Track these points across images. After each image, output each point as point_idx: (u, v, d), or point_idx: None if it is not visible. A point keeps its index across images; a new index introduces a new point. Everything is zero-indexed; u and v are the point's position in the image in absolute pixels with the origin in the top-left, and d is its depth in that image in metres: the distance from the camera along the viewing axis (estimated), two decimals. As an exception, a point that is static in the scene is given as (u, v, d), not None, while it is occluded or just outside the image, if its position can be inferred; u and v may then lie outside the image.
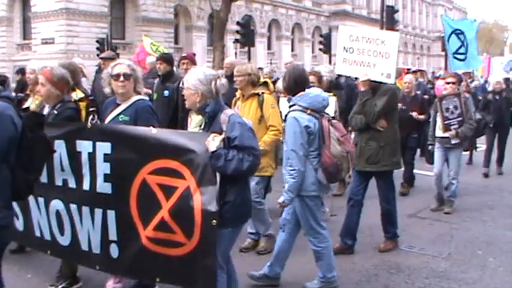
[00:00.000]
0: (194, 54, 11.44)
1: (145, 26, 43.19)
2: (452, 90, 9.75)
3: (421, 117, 10.98)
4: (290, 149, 5.65)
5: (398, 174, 10.88)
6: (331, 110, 8.25)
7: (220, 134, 4.45)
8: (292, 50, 67.25)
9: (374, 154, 7.32)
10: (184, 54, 10.64)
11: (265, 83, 7.46)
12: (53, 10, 41.04)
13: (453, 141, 9.53)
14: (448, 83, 9.91)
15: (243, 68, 7.32)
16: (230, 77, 7.98)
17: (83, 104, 6.20)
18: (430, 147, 10.13)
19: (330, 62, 37.95)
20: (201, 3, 44.59)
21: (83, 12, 40.97)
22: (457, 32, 14.91)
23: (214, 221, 4.39)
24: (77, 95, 6.56)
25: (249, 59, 30.15)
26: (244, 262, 6.76)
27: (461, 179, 11.13)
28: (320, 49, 38.88)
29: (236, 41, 31.12)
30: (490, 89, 14.80)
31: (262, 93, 7.19)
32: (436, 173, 9.89)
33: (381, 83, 7.28)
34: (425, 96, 12.35)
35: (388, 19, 29.37)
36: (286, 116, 5.95)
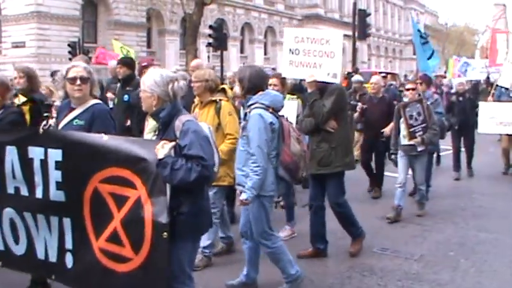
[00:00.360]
0: (152, 60, 11.24)
1: (117, 30, 42.98)
2: (413, 97, 9.59)
3: (387, 132, 10.43)
4: (256, 145, 5.60)
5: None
6: (294, 112, 8.35)
7: (173, 141, 4.25)
8: (265, 53, 67.34)
9: (326, 156, 7.16)
10: (144, 63, 10.22)
11: (223, 90, 7.25)
12: (23, 13, 40.49)
13: (419, 149, 9.40)
14: (408, 90, 9.75)
15: (201, 74, 7.16)
16: None
17: (26, 108, 6.10)
18: (392, 156, 10.00)
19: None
20: (173, 7, 44.40)
21: (55, 15, 40.56)
22: (421, 34, 15.44)
23: (165, 233, 4.16)
24: (20, 99, 6.48)
25: (222, 62, 30.17)
26: (222, 273, 6.76)
27: (432, 182, 11.26)
28: (293, 52, 38.94)
29: (209, 44, 31.08)
30: (453, 90, 14.81)
31: (220, 100, 7.03)
32: (400, 182, 9.57)
33: (327, 83, 7.14)
34: (394, 102, 12.31)
35: (360, 22, 29.57)
36: (244, 115, 5.92)
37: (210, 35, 30.37)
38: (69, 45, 32.61)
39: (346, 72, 24.95)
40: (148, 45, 49.78)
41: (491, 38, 18.57)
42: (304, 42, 7.27)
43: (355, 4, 32.18)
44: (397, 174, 10.74)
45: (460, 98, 13.25)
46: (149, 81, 4.46)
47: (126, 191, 4.33)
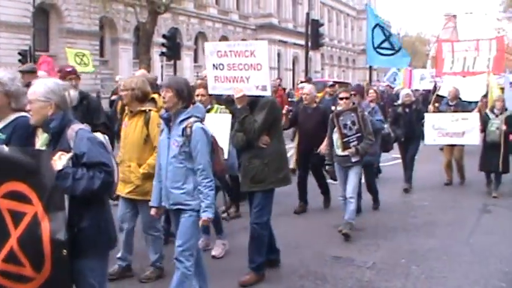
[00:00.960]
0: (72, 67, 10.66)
1: (69, 38, 42.45)
2: (347, 106, 9.20)
3: (323, 149, 9.87)
4: (206, 160, 5.47)
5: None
6: (228, 127, 7.66)
7: (69, 151, 4.03)
8: (220, 62, 67.25)
9: (259, 172, 6.84)
10: (69, 69, 9.29)
11: (152, 99, 6.95)
12: (-28, 21, 39.76)
13: (353, 159, 9.01)
14: (342, 99, 9.36)
15: (128, 82, 6.91)
16: None
17: None
18: (327, 167, 9.57)
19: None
20: (127, 16, 44.10)
21: (4, 22, 39.74)
22: (382, 26, 14.49)
23: (64, 251, 3.94)
24: None
25: (175, 72, 30.07)
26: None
27: (383, 191, 11.40)
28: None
29: (162, 53, 30.94)
30: (399, 101, 14.21)
31: (149, 110, 6.76)
32: (342, 195, 9.27)
33: (258, 96, 6.80)
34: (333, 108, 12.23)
35: (313, 32, 29.77)
36: (182, 131, 5.48)
37: (163, 44, 30.22)
38: (19, 53, 32.12)
39: (299, 82, 25.06)
40: (101, 54, 49.28)
41: (437, 48, 18.47)
42: (228, 56, 6.90)
43: (308, 14, 32.42)
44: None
45: (407, 110, 12.97)
46: (43, 89, 4.19)
47: (23, 207, 4.07)
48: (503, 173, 12.31)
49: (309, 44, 30.63)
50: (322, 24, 33.89)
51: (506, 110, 12.48)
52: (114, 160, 4.36)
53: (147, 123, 6.68)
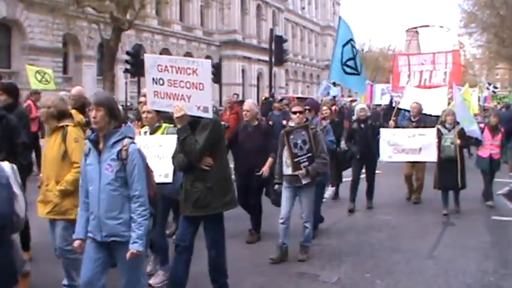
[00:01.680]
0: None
1: (32, 55, 41.99)
2: (299, 120, 8.56)
3: (265, 172, 9.29)
4: (144, 185, 5.10)
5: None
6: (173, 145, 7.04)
7: None
8: (184, 79, 67.18)
9: (202, 197, 6.45)
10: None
11: (70, 115, 6.76)
12: None
13: (304, 181, 8.41)
14: (295, 113, 8.63)
15: (45, 100, 6.77)
16: (80, 109, 7.78)
17: None
18: (276, 186, 8.84)
19: (220, 92, 38.25)
20: (90, 32, 43.80)
21: (-36, 39, 39.43)
22: (353, 44, 13.66)
23: None
24: None
25: (139, 88, 29.92)
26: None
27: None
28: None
29: (126, 70, 30.80)
30: (354, 117, 13.52)
31: (66, 126, 6.57)
32: (282, 216, 8.57)
33: (199, 117, 6.40)
34: (284, 123, 11.93)
35: (277, 48, 29.93)
36: (117, 154, 5.07)
37: (127, 61, 30.11)
38: (-20, 70, 31.76)
39: (263, 98, 25.16)
40: (65, 71, 48.86)
41: (393, 62, 18.16)
42: (169, 71, 6.38)
43: (272, 30, 32.60)
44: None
45: (362, 125, 12.52)
46: None
47: None
48: (462, 188, 12.03)
49: (273, 59, 30.79)
50: (286, 40, 34.14)
51: (458, 123, 12.20)
52: (22, 196, 4.27)
53: (64, 139, 6.48)
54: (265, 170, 9.29)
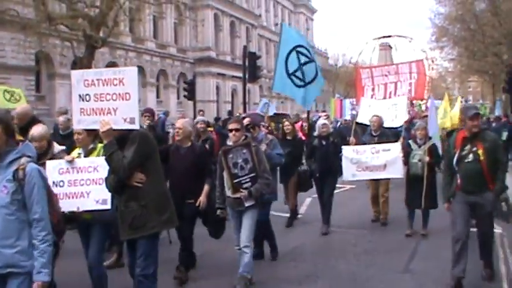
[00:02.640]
0: None
1: (3, 73, 41.52)
2: (237, 139, 7.94)
3: (202, 202, 8.29)
4: (44, 208, 4.55)
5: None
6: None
7: None
8: (158, 96, 67.04)
9: (137, 216, 6.05)
10: None
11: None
12: None
13: (247, 203, 7.81)
14: (231, 130, 8.00)
15: None
16: (23, 129, 7.51)
17: None
18: (218, 211, 8.18)
19: (194, 109, 38.17)
20: (63, 50, 43.44)
21: None
22: (299, 50, 12.36)
23: None
24: None
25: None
26: None
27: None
28: (185, 96, 39.17)
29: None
30: (315, 133, 12.52)
31: None
32: (238, 243, 8.01)
33: (127, 130, 6.06)
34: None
35: (251, 65, 29.96)
36: (13, 174, 4.49)
37: (100, 79, 29.94)
38: (-50, 90, 31.34)
39: (238, 114, 25.13)
40: (38, 89, 48.50)
41: (355, 75, 16.48)
42: (95, 85, 6.07)
43: (245, 47, 32.66)
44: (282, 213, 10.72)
45: (323, 142, 11.81)
46: None
47: None
48: (429, 208, 11.26)
49: (247, 76, 30.83)
50: (259, 57, 34.16)
51: (430, 138, 11.55)
52: None
53: None
54: (202, 201, 8.27)
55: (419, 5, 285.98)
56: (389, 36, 16.05)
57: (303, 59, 12.24)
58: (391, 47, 46.00)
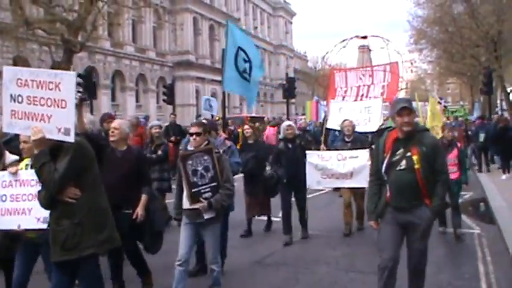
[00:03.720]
0: None
1: (-19, 79, 41.33)
2: (198, 144, 7.29)
3: (140, 216, 7.50)
4: None
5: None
6: None
7: None
8: (137, 101, 66.87)
9: (70, 236, 5.29)
10: None
11: None
12: None
13: (206, 216, 7.06)
14: (192, 134, 7.36)
15: None
16: None
17: None
18: (175, 223, 7.76)
19: (174, 112, 38.09)
20: (41, 55, 43.26)
21: None
22: (244, 50, 12.13)
23: None
24: None
25: (92, 111, 29.61)
26: None
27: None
28: (164, 100, 39.08)
29: (78, 93, 30.48)
30: (280, 136, 11.82)
31: None
32: (180, 258, 7.21)
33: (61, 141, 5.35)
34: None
35: (230, 68, 29.95)
36: None
37: (79, 84, 29.84)
38: None
39: (217, 118, 25.06)
40: (16, 95, 48.12)
41: (329, 78, 16.01)
42: (29, 86, 5.43)
43: (223, 51, 32.64)
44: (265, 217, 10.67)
45: (289, 145, 11.09)
46: None
47: None
48: None
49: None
50: (238, 60, 34.16)
51: None
52: None
53: None
54: (139, 213, 7.52)
55: (398, 8, 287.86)
56: (364, 37, 15.86)
57: (248, 57, 11.95)
58: (370, 50, 46.22)
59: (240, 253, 10.20)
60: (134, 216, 7.46)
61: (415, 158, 6.26)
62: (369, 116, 12.97)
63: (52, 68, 38.34)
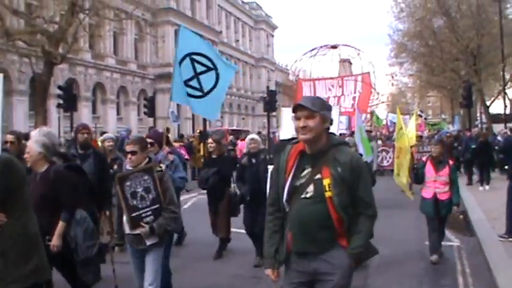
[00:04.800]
0: None
1: (-40, 91, 40.98)
2: (135, 164, 6.55)
3: (55, 245, 6.35)
4: None
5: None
6: None
7: None
8: (118, 113, 66.66)
9: None
10: None
11: None
12: None
13: (148, 242, 6.38)
14: (128, 153, 6.59)
15: None
16: None
17: None
18: (116, 249, 7.25)
19: (154, 125, 38.03)
20: (21, 66, 43.09)
21: None
22: (194, 58, 10.34)
23: None
24: None
25: (72, 123, 29.48)
26: None
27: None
28: (145, 112, 39.01)
29: (59, 105, 30.44)
30: (245, 150, 11.07)
31: None
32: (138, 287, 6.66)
33: None
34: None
35: (212, 81, 30.02)
36: None
37: (59, 96, 29.79)
38: None
39: (198, 131, 25.08)
40: (-5, 106, 47.80)
41: (297, 88, 15.33)
42: None
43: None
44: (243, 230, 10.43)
45: (253, 160, 10.25)
46: None
47: None
48: None
49: (208, 92, 30.87)
50: (220, 73, 34.22)
51: (361, 156, 10.13)
52: None
53: None
54: (54, 242, 6.39)
55: (379, 22, 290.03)
56: (334, 47, 15.74)
57: (200, 68, 10.27)
58: (350, 63, 46.41)
59: (219, 266, 10.23)
60: (49, 242, 6.34)
61: (326, 182, 4.38)
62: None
63: (32, 79, 38.16)
